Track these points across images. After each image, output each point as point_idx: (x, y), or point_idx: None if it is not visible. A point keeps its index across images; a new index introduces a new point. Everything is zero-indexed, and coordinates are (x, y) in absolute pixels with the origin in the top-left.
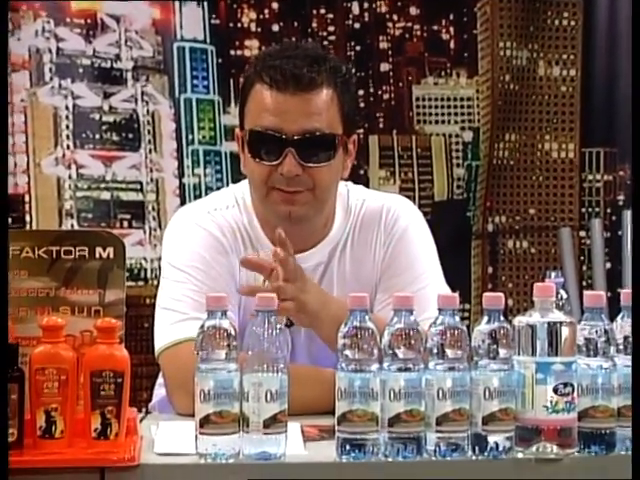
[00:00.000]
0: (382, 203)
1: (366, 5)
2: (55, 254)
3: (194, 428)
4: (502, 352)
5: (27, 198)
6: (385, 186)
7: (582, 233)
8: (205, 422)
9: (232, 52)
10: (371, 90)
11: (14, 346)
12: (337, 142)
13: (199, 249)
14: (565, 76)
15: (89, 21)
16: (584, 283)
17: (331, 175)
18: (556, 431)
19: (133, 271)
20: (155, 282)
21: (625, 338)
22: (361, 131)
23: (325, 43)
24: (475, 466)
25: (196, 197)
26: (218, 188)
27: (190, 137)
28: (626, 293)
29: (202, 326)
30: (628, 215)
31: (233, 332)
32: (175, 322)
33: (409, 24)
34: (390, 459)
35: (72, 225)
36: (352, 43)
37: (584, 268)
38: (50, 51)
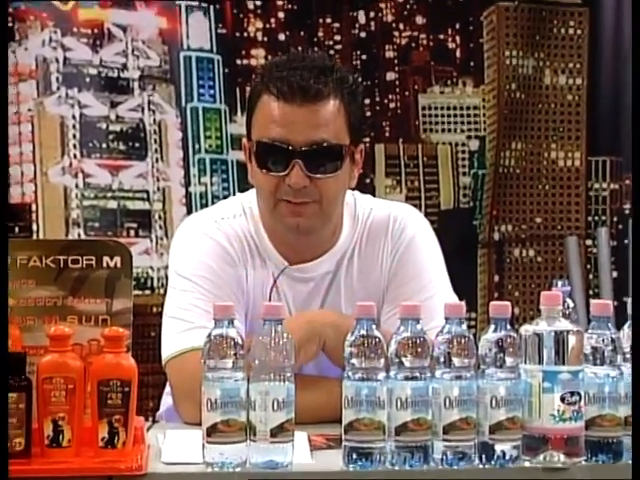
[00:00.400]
0: (389, 212)
1: (372, 14)
2: (62, 263)
3: (201, 437)
4: (509, 361)
5: (34, 207)
6: (391, 195)
7: (588, 242)
8: (212, 431)
9: (238, 61)
10: (377, 99)
11: (21, 355)
12: (344, 152)
13: (206, 258)
14: (571, 85)
15: (96, 31)
16: (591, 292)
17: (338, 186)
18: (563, 440)
19: (140, 280)
20: (162, 291)
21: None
22: (367, 140)
23: (331, 52)
24: (482, 475)
25: (202, 206)
26: (225, 197)
27: (197, 146)
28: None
29: (209, 335)
30: None
31: (240, 341)
32: (182, 331)
33: (415, 33)
34: (397, 468)
35: (79, 234)
36: (358, 52)
37: (591, 277)
38: (57, 61)
